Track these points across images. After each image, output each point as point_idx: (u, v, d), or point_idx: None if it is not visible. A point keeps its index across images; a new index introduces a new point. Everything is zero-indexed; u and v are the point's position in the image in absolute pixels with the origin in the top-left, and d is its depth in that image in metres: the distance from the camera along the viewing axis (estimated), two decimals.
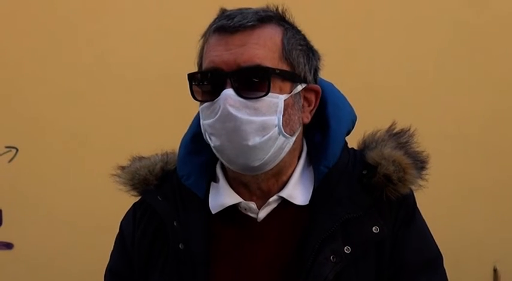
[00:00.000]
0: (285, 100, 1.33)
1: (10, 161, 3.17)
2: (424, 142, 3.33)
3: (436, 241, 1.47)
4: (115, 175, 1.52)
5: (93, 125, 3.17)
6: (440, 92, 3.31)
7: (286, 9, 1.41)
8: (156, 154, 1.53)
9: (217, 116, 1.30)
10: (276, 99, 1.31)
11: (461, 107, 3.31)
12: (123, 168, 1.52)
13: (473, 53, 3.32)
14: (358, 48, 3.27)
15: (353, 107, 1.52)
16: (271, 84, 1.30)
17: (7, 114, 3.16)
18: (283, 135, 1.33)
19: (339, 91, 1.51)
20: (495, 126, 3.34)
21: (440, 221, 3.29)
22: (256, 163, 1.33)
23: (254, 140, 1.30)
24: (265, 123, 1.31)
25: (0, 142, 3.16)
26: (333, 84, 1.51)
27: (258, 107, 1.30)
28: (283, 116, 1.33)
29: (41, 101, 3.16)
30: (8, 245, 3.18)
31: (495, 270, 3.34)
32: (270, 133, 1.31)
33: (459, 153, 3.32)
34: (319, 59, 1.44)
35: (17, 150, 3.17)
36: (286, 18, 1.40)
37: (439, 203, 3.30)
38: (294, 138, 1.37)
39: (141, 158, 1.53)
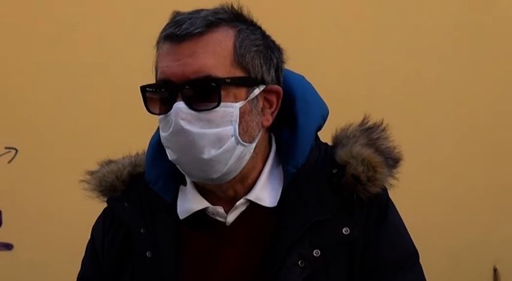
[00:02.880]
0: (240, 108, 1.29)
1: (10, 161, 3.17)
2: (424, 142, 3.35)
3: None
4: (83, 181, 1.48)
5: (92, 126, 3.17)
6: (441, 93, 3.31)
7: (242, 7, 1.35)
8: (125, 157, 1.50)
9: (170, 129, 1.27)
10: (231, 109, 1.28)
11: (462, 108, 3.31)
12: (91, 173, 1.49)
13: (475, 54, 3.32)
14: (358, 49, 3.26)
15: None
16: (224, 93, 1.27)
17: (7, 115, 3.16)
18: (242, 144, 1.30)
19: (311, 85, 1.45)
20: (496, 126, 3.34)
21: (440, 221, 3.30)
22: (215, 175, 1.30)
23: (209, 152, 1.27)
24: (220, 135, 1.27)
25: (0, 143, 3.16)
26: (303, 78, 1.45)
27: (211, 118, 1.26)
28: (239, 124, 1.29)
29: (40, 102, 3.15)
30: (8, 246, 3.18)
31: (495, 270, 3.34)
32: (227, 144, 1.28)
33: (459, 153, 3.32)
34: (281, 55, 1.38)
35: (17, 151, 3.17)
36: (243, 17, 1.35)
37: (439, 203, 3.30)
38: (253, 144, 1.33)
39: (109, 163, 1.49)
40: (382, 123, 1.44)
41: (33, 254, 3.16)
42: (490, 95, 3.33)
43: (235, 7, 1.34)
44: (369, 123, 1.44)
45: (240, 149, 1.30)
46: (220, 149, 1.28)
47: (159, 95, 1.30)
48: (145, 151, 1.47)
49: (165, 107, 1.29)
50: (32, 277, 3.16)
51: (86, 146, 3.14)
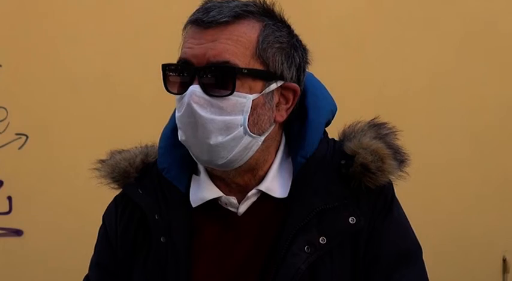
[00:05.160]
0: (253, 100, 1.30)
1: (20, 148, 3.19)
2: (437, 134, 3.33)
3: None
4: (95, 169, 1.49)
5: (102, 114, 3.18)
6: (456, 89, 3.32)
7: (274, 3, 1.35)
8: (136, 147, 1.51)
9: (182, 110, 1.29)
10: (244, 99, 1.29)
11: (475, 102, 3.33)
12: (102, 161, 1.49)
13: (488, 52, 3.33)
14: (374, 46, 3.28)
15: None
16: (240, 83, 1.28)
17: (18, 101, 3.17)
18: (250, 135, 1.31)
19: (319, 81, 1.46)
20: (509, 120, 3.35)
21: (450, 212, 3.30)
22: (220, 161, 1.31)
23: (216, 139, 1.29)
24: (229, 123, 1.29)
25: (11, 129, 3.18)
26: (313, 75, 1.46)
27: (223, 106, 1.28)
28: (251, 115, 1.30)
29: (51, 89, 3.17)
30: (18, 232, 3.20)
31: (504, 260, 3.34)
32: (234, 133, 1.29)
33: (470, 144, 3.33)
34: (305, 55, 1.38)
35: (27, 137, 3.18)
36: (272, 13, 1.35)
37: (449, 194, 3.30)
38: (262, 137, 1.34)
39: (120, 151, 1.50)
40: (389, 123, 1.45)
41: (42, 240, 3.18)
42: (505, 91, 3.35)
43: (267, 2, 1.35)
44: (378, 122, 1.45)
45: (247, 139, 1.31)
46: (227, 137, 1.29)
47: (179, 78, 1.32)
48: (158, 141, 1.48)
49: (182, 88, 1.31)
50: (41, 262, 3.18)
51: (95, 134, 3.15)
